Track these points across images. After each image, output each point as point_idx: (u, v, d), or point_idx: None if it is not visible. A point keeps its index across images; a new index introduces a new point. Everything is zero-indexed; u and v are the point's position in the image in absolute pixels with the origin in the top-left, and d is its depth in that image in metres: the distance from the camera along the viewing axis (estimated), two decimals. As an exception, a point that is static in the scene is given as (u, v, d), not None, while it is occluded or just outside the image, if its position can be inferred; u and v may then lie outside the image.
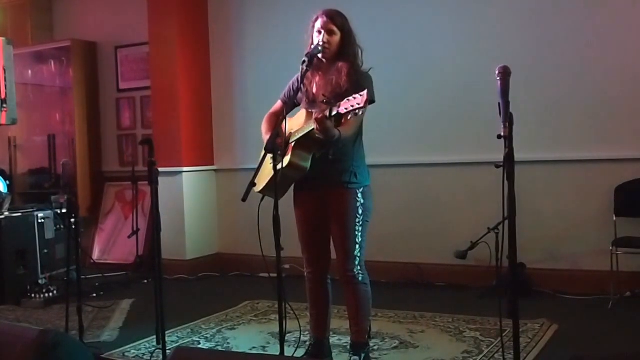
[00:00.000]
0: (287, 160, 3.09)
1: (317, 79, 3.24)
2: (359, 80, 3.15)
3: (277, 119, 3.40)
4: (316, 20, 3.22)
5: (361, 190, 3.24)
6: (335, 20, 3.20)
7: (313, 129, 3.00)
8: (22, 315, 4.78)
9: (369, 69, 3.25)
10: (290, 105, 3.33)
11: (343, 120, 2.97)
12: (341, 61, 3.18)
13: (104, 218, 6.77)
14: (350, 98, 2.83)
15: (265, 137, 3.33)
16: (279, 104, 3.47)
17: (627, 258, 4.47)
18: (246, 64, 6.20)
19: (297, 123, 3.22)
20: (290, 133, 3.17)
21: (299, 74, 3.32)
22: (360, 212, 3.23)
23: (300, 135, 3.10)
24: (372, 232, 3.34)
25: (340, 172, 3.22)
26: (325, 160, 3.16)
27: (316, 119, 2.94)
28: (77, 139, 6.73)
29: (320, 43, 3.15)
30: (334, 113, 2.89)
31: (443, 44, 5.32)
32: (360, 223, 3.23)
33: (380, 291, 3.81)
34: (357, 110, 2.80)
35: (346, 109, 2.83)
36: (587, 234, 4.86)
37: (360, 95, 2.79)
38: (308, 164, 3.14)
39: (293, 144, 3.13)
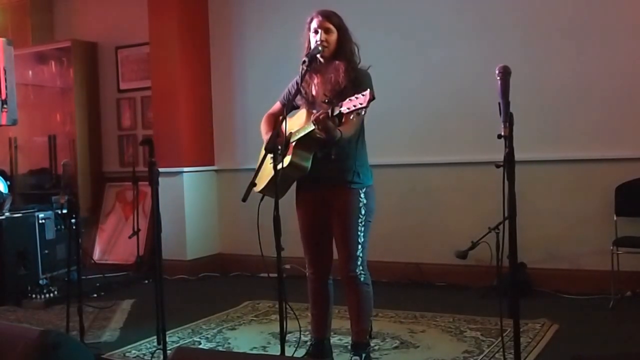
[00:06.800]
0: (287, 160, 3.09)
1: (316, 80, 3.24)
2: (357, 77, 3.15)
3: (276, 119, 3.41)
4: (311, 20, 3.22)
5: (364, 190, 3.23)
6: (331, 18, 3.20)
7: (314, 129, 3.00)
8: (22, 315, 4.79)
9: (367, 66, 3.25)
10: (289, 107, 3.33)
11: (344, 120, 2.97)
12: (338, 60, 3.18)
13: (105, 218, 6.77)
14: (353, 98, 2.82)
15: (265, 137, 3.33)
16: (277, 105, 3.47)
17: (628, 258, 4.46)
18: (246, 64, 6.20)
19: (298, 123, 3.22)
20: (291, 133, 3.17)
21: (298, 77, 3.32)
22: (363, 212, 3.22)
23: (302, 134, 3.10)
24: (372, 231, 3.33)
25: (343, 172, 3.21)
26: (328, 160, 3.16)
27: (316, 119, 2.94)
28: (77, 140, 6.73)
29: (319, 42, 3.15)
30: (336, 112, 2.89)
31: (443, 43, 5.32)
32: (363, 223, 3.22)
33: (381, 291, 3.80)
34: (359, 110, 2.80)
35: (348, 108, 2.82)
36: (588, 233, 4.86)
37: (363, 95, 2.79)
38: (309, 164, 3.14)
39: (294, 143, 3.13)
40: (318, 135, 3.00)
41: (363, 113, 2.84)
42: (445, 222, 5.33)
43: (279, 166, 2.90)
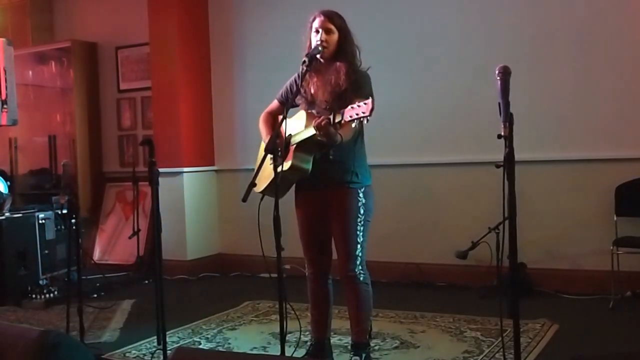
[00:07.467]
0: (288, 163, 3.09)
1: (316, 80, 3.23)
2: (357, 80, 3.15)
3: (274, 119, 3.41)
4: (313, 20, 3.22)
5: (362, 190, 3.24)
6: (333, 19, 3.20)
7: (315, 133, 2.99)
8: (22, 315, 4.79)
9: (367, 68, 3.25)
10: (288, 106, 3.33)
11: (343, 123, 2.97)
12: (339, 61, 3.18)
13: (105, 218, 6.77)
14: (355, 106, 2.82)
15: (266, 137, 3.33)
16: (275, 103, 3.47)
17: (628, 258, 4.46)
18: (246, 63, 6.20)
19: (297, 124, 3.21)
20: (290, 134, 3.17)
21: (296, 75, 3.32)
22: (362, 211, 3.22)
23: (303, 138, 3.10)
24: (372, 231, 3.34)
25: (341, 172, 3.21)
26: (326, 161, 3.16)
27: (318, 126, 2.93)
28: (77, 140, 6.73)
29: (319, 42, 3.15)
30: (337, 120, 2.89)
31: (443, 43, 5.32)
32: (362, 223, 3.22)
33: (381, 291, 3.81)
34: (362, 119, 2.80)
35: (350, 116, 2.82)
36: (588, 233, 4.86)
37: (365, 104, 2.78)
38: (309, 166, 3.15)
39: (294, 146, 3.13)
40: (320, 139, 3.00)
41: (365, 122, 2.84)
42: (445, 222, 5.32)
43: (279, 168, 2.90)
